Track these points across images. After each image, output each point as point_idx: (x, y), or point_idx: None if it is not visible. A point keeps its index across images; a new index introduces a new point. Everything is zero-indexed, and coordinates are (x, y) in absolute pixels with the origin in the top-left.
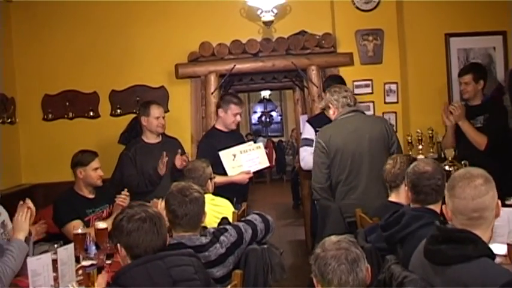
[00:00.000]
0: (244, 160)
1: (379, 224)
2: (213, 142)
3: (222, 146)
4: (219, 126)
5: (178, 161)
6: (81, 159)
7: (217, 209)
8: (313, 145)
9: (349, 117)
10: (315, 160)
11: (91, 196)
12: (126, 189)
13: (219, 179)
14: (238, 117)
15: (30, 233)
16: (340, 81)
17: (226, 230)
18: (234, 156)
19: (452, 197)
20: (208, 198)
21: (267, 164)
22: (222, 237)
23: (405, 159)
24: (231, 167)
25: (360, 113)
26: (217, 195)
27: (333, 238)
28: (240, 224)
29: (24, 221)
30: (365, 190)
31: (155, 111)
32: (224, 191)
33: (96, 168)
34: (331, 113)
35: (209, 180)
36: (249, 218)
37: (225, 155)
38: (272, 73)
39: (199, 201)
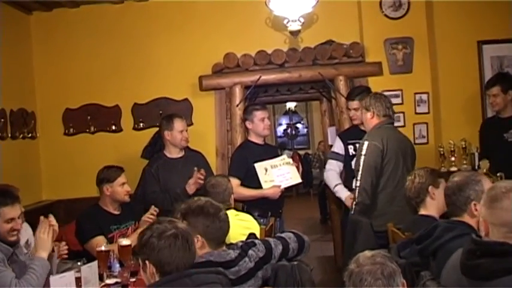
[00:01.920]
0: (275, 175)
1: (412, 238)
2: (246, 154)
3: (254, 159)
4: (252, 139)
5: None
6: (107, 175)
7: (243, 224)
8: (364, 147)
9: (392, 128)
10: (367, 162)
11: (116, 212)
12: (153, 206)
13: (250, 191)
14: (267, 122)
15: (53, 250)
16: (367, 92)
17: (255, 244)
18: (266, 170)
19: (493, 209)
20: (232, 213)
21: (299, 181)
22: (250, 251)
23: (423, 171)
24: (263, 180)
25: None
26: (251, 209)
27: (367, 253)
28: (271, 240)
29: (46, 238)
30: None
31: (179, 124)
32: (258, 204)
33: (123, 184)
34: (368, 117)
35: (231, 195)
36: (282, 235)
37: (258, 168)
38: (298, 84)
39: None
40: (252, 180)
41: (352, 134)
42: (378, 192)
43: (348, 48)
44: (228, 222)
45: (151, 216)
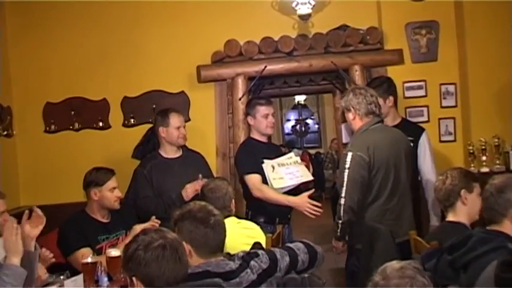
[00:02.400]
0: (284, 173)
1: (438, 248)
2: (252, 150)
3: (260, 154)
4: (255, 136)
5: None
6: (95, 178)
7: (246, 233)
8: (348, 159)
9: (381, 128)
10: (352, 177)
11: (105, 220)
12: (154, 217)
13: (276, 195)
14: (270, 119)
15: (35, 247)
16: (388, 84)
17: (258, 254)
18: (273, 168)
19: None
20: (233, 221)
21: (310, 178)
22: (252, 262)
23: (457, 172)
24: (272, 178)
25: (384, 124)
26: (256, 215)
27: (395, 264)
28: (277, 250)
29: (15, 240)
30: (401, 212)
31: (175, 120)
32: (264, 209)
33: (114, 188)
34: (351, 118)
35: (232, 200)
36: (291, 245)
37: (266, 166)
38: (309, 74)
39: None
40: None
41: None
42: (367, 206)
43: (365, 34)
44: (222, 229)
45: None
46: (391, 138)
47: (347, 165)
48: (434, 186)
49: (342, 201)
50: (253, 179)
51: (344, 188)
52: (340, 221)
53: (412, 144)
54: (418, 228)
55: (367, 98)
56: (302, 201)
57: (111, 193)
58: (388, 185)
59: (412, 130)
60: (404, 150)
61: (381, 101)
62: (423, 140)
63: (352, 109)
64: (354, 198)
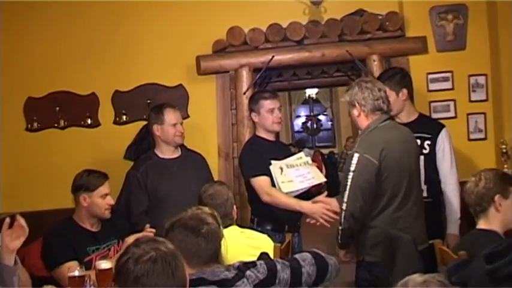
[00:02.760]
0: (294, 175)
1: (470, 258)
2: (258, 150)
3: (267, 157)
4: (261, 134)
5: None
6: (86, 181)
7: (251, 243)
8: (354, 161)
9: (391, 126)
10: (356, 181)
11: (95, 229)
12: (148, 226)
13: (288, 199)
14: (277, 113)
15: (15, 261)
16: (401, 75)
17: (255, 264)
18: (282, 170)
19: None
20: (236, 230)
21: (323, 179)
22: (248, 272)
23: (492, 174)
24: (280, 181)
25: (394, 122)
26: (263, 222)
27: (418, 278)
28: (279, 260)
29: None
30: (416, 218)
31: (171, 116)
32: (271, 216)
33: (106, 195)
34: (355, 115)
35: (234, 207)
36: (297, 255)
37: (274, 167)
38: (321, 65)
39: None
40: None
41: None
42: (375, 215)
43: (384, 20)
44: (216, 239)
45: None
46: (402, 137)
47: (352, 168)
48: (465, 188)
49: (344, 206)
50: (261, 182)
51: (346, 193)
52: (340, 227)
53: (429, 142)
54: (440, 236)
55: (374, 93)
56: (318, 207)
57: (103, 200)
58: (402, 189)
59: (430, 127)
60: (415, 150)
61: (392, 94)
62: (442, 137)
63: (357, 105)
64: (356, 204)
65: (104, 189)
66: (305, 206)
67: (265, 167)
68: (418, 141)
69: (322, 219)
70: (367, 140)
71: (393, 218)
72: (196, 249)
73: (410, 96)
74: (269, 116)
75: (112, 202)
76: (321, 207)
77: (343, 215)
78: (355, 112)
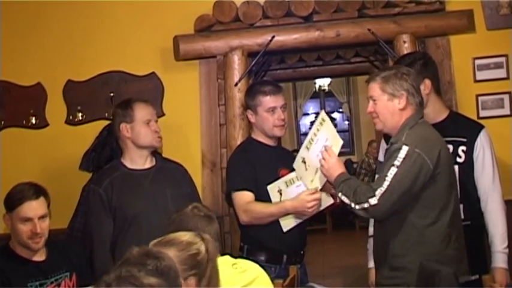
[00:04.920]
0: (295, 194)
1: None
2: (250, 157)
3: (263, 167)
4: (257, 137)
5: None
6: (8, 199)
7: (246, 277)
8: (401, 155)
9: (427, 124)
10: (400, 177)
11: (39, 258)
12: None
13: (269, 207)
14: (279, 113)
15: None
16: (424, 62)
17: None
18: (280, 192)
19: None
20: (227, 262)
21: (330, 201)
22: None
23: None
24: None
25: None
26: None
27: None
28: None
29: None
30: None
31: (142, 111)
32: (263, 241)
33: (27, 221)
34: (397, 108)
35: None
36: None
37: (271, 191)
38: (335, 48)
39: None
40: (262, 198)
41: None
42: (426, 227)
43: None
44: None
45: None
46: (442, 139)
47: (397, 162)
48: None
49: (373, 201)
50: (240, 198)
51: (382, 190)
52: (356, 207)
53: (465, 148)
54: (483, 270)
55: (415, 83)
56: (301, 201)
57: (25, 226)
58: (451, 199)
59: (465, 128)
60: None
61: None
62: (481, 141)
63: (405, 94)
64: (387, 205)
65: (26, 209)
66: (289, 207)
67: (252, 180)
68: (450, 146)
69: (310, 211)
70: (418, 135)
71: (446, 235)
72: None
73: (437, 89)
74: (269, 117)
75: (38, 230)
76: (304, 200)
77: (365, 206)
78: (399, 104)
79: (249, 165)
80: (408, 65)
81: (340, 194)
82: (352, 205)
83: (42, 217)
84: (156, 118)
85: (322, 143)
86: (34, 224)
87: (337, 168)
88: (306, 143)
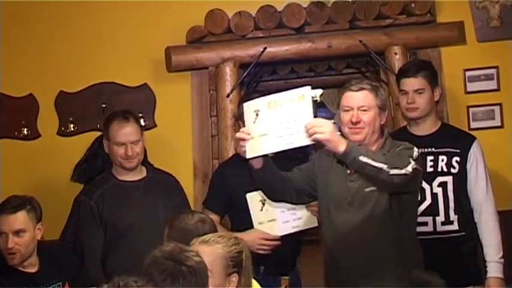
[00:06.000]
0: (279, 211)
1: None
2: (228, 173)
3: (245, 184)
4: None
5: None
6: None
7: None
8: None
9: None
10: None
11: (32, 270)
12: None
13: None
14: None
15: None
16: (433, 69)
17: None
18: (263, 204)
19: None
20: None
21: (314, 224)
22: None
23: None
24: (257, 221)
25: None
26: None
27: None
28: None
29: None
30: None
31: (117, 132)
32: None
33: (13, 233)
34: (381, 122)
35: None
36: None
37: (251, 200)
38: (327, 60)
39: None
40: (242, 215)
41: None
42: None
43: (408, 2)
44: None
45: None
46: None
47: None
48: None
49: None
50: (207, 215)
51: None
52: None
53: (459, 159)
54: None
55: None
56: (252, 237)
57: (1, 241)
58: None
59: (458, 139)
60: None
61: (428, 90)
62: (475, 153)
63: (386, 109)
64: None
65: (9, 223)
66: (240, 236)
67: (219, 201)
68: (444, 157)
69: (261, 251)
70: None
71: None
72: None
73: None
74: None
75: (18, 247)
76: (256, 237)
77: (403, 172)
78: (383, 118)
79: (221, 185)
80: (426, 68)
81: (361, 157)
82: (385, 167)
83: (17, 232)
84: (133, 139)
85: (287, 119)
86: (26, 239)
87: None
88: (268, 99)
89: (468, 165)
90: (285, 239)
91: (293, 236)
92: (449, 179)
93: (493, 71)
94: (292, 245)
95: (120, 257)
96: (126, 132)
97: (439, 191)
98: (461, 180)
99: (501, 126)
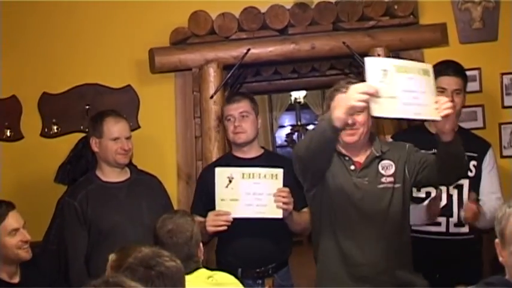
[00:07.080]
0: (244, 191)
1: None
2: (207, 179)
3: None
4: (236, 152)
5: None
6: None
7: None
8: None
9: None
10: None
11: (13, 280)
12: None
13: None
14: (237, 121)
15: None
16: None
17: None
18: (230, 181)
19: None
20: (203, 274)
21: (278, 216)
22: None
23: None
24: (219, 197)
25: None
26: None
27: None
28: None
29: None
30: None
31: (112, 128)
32: (221, 256)
33: (14, 231)
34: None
35: (201, 245)
36: None
37: (219, 175)
38: (310, 61)
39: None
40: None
41: (415, 138)
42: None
43: (391, 3)
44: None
45: None
46: None
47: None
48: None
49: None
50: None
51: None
52: None
53: (476, 163)
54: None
55: None
56: (214, 222)
57: (11, 238)
58: None
59: (475, 144)
60: None
61: (462, 93)
62: (490, 158)
63: None
64: None
65: (11, 222)
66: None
67: (207, 206)
68: None
69: (214, 228)
70: None
71: None
72: None
73: None
74: (229, 126)
75: (26, 238)
76: (210, 215)
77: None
78: (370, 122)
79: (203, 190)
80: (462, 70)
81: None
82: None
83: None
84: (127, 135)
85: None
86: (22, 235)
87: None
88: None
89: (483, 170)
90: (255, 243)
91: (276, 233)
92: (465, 182)
93: (476, 72)
94: (273, 243)
95: (105, 258)
96: (121, 127)
97: (454, 192)
98: (476, 183)
99: (483, 128)
